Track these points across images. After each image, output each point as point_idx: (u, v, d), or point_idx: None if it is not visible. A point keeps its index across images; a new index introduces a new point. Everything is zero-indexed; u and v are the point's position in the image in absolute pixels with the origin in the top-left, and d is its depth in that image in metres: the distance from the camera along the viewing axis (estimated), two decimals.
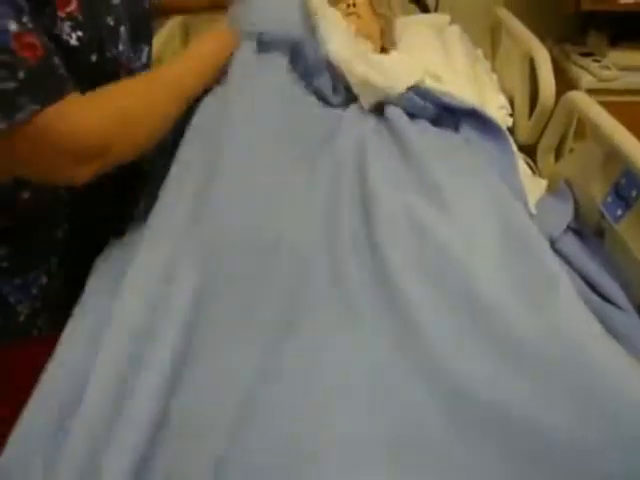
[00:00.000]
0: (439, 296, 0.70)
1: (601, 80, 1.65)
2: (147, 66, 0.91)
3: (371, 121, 1.05)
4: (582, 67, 1.71)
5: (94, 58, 0.72)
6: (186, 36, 1.71)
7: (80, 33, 0.68)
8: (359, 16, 1.43)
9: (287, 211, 0.83)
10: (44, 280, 0.85)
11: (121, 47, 0.78)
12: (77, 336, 0.73)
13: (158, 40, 1.43)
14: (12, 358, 0.83)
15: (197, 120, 0.93)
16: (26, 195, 0.79)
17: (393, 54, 1.37)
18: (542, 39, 1.44)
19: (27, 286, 0.84)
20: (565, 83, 1.64)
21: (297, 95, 1.05)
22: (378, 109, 1.10)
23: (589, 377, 0.59)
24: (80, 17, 0.67)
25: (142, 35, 0.87)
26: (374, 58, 1.22)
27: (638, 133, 0.98)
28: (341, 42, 1.14)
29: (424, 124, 1.07)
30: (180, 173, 0.87)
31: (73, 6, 0.66)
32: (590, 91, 1.62)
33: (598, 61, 1.70)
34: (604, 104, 1.05)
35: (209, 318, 0.71)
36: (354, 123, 1.02)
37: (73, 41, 0.67)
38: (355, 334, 0.68)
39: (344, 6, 1.48)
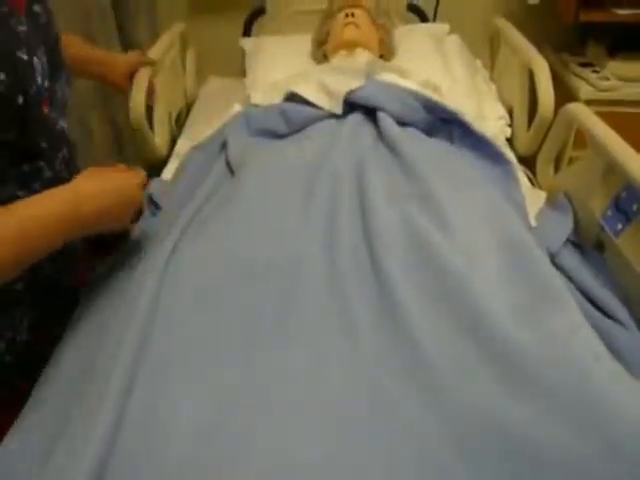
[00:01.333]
0: (440, 315, 0.69)
1: (600, 90, 1.64)
2: (66, 94, 0.83)
3: (368, 133, 1.04)
4: (581, 77, 1.71)
5: (21, 100, 0.66)
6: (185, 44, 1.71)
7: (2, 76, 0.63)
8: (357, 26, 1.44)
9: (286, 229, 0.83)
10: (9, 334, 0.80)
11: (39, 81, 0.71)
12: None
13: (158, 48, 1.44)
14: None
15: None
16: None
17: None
18: (540, 49, 1.44)
19: None
20: (564, 93, 1.64)
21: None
22: (370, 114, 1.09)
23: (590, 400, 0.58)
24: None
25: (58, 62, 0.80)
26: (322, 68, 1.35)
27: (638, 144, 0.98)
28: (264, 91, 1.31)
29: (418, 135, 1.07)
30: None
31: None
32: (589, 101, 1.62)
33: (597, 72, 1.70)
34: (603, 114, 1.04)
35: (205, 333, 0.70)
36: (352, 135, 1.02)
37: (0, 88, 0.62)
38: (355, 355, 0.67)
39: (342, 15, 1.48)
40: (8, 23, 0.67)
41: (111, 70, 1.20)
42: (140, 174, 0.82)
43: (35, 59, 0.70)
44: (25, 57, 0.67)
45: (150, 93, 1.29)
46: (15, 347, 0.81)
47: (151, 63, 1.31)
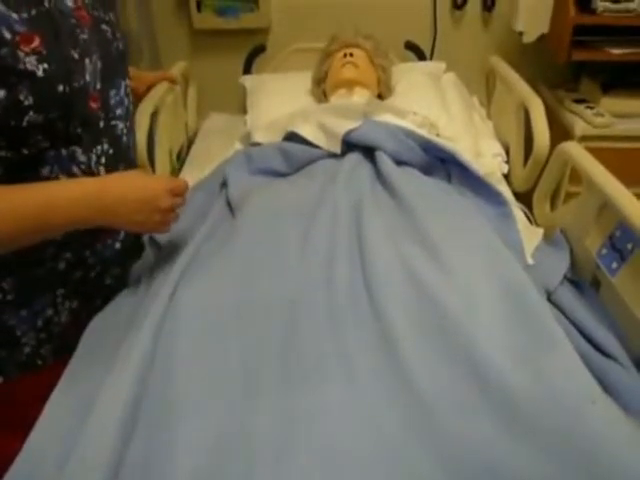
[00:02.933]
0: (439, 359, 0.70)
1: (595, 127, 1.67)
2: (125, 102, 0.94)
3: (366, 172, 1.06)
4: (576, 114, 1.73)
5: (61, 88, 0.76)
6: (186, 82, 1.74)
7: (45, 65, 0.73)
8: (356, 66, 1.47)
9: (284, 271, 0.83)
10: (49, 312, 0.87)
11: (88, 78, 0.82)
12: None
13: (160, 87, 1.46)
14: (19, 390, 0.86)
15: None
16: None
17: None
18: (535, 85, 1.46)
19: (32, 318, 0.86)
20: (559, 129, 1.66)
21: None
22: (368, 154, 1.11)
23: (586, 444, 0.58)
24: (44, 51, 0.73)
25: (117, 72, 0.92)
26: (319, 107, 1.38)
27: (632, 179, 1.00)
28: (264, 129, 1.35)
29: (416, 174, 1.08)
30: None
31: (36, 43, 0.72)
32: (584, 137, 1.64)
33: (591, 108, 1.72)
34: (598, 150, 1.06)
35: (205, 379, 0.70)
36: (350, 175, 1.03)
37: (39, 72, 0.72)
38: (355, 400, 0.67)
39: (341, 55, 1.51)
40: (73, 30, 0.80)
41: (138, 85, 1.32)
42: (174, 181, 0.85)
43: (87, 60, 0.81)
44: (76, 56, 0.79)
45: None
46: (51, 327, 0.88)
47: (171, 79, 1.47)
